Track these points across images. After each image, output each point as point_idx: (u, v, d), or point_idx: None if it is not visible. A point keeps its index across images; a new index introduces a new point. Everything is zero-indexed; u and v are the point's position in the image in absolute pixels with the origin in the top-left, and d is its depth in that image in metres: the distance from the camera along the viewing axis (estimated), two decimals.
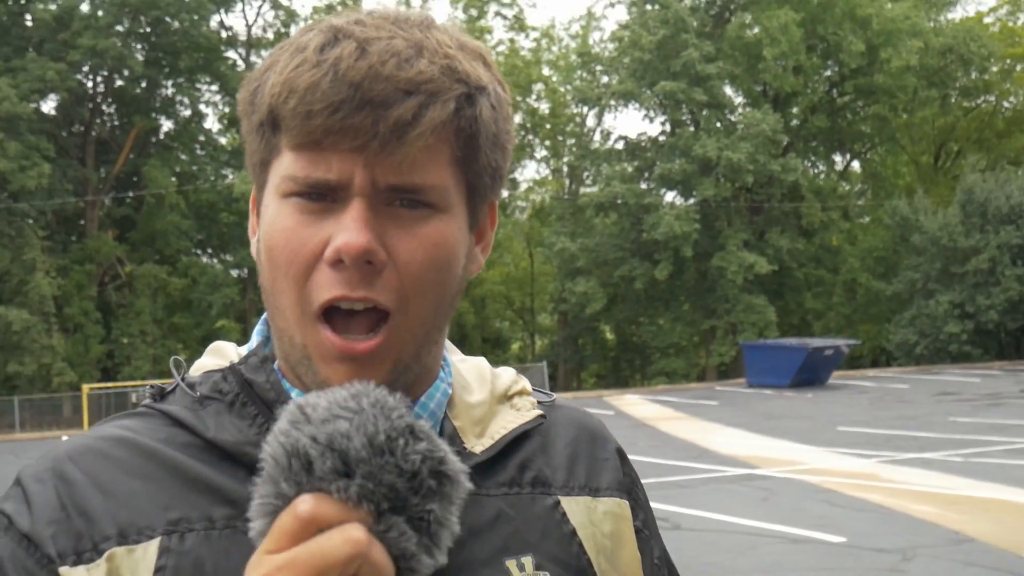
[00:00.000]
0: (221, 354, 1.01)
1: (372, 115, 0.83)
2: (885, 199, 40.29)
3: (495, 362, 1.13)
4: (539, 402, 1.09)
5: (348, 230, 0.84)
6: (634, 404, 26.07)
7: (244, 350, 1.00)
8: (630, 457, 1.15)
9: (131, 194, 37.30)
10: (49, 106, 36.46)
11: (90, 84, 37.37)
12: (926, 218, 35.19)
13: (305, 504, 0.69)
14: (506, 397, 1.06)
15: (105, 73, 36.73)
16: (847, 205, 41.90)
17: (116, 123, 39.49)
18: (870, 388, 26.78)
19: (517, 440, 1.02)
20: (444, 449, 0.74)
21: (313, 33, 0.88)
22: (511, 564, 0.94)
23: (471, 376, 1.06)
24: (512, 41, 45.48)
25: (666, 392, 30.13)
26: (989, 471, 12.33)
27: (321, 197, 0.87)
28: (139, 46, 37.37)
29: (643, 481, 1.16)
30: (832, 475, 12.73)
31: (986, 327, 33.79)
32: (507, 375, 1.10)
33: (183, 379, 0.97)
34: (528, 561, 0.96)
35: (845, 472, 12.97)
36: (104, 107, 38.69)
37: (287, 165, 0.88)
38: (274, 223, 0.89)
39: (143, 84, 38.27)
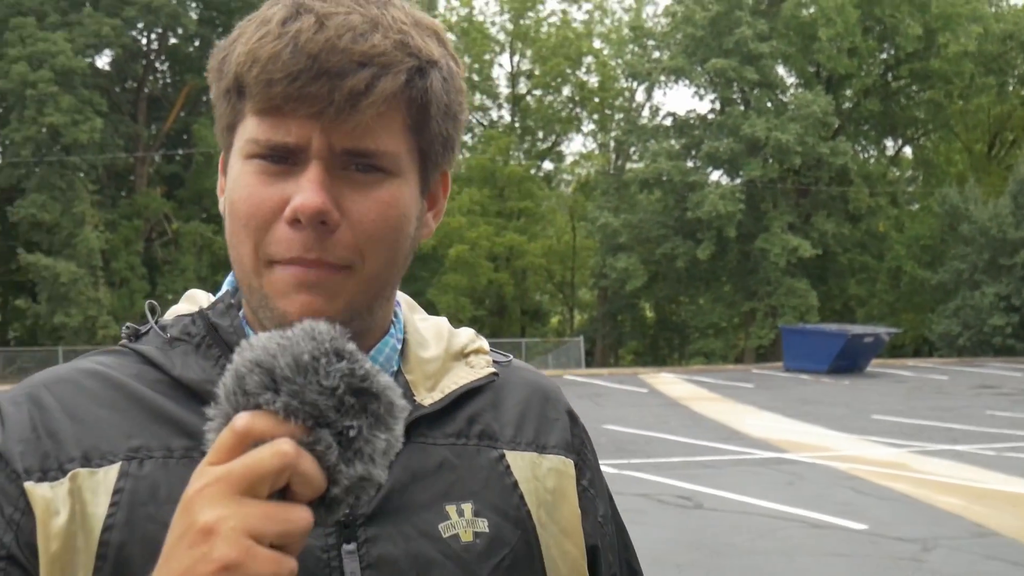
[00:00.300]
0: (194, 301, 1.10)
1: (328, 84, 0.90)
2: (935, 187, 39.67)
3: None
4: (495, 362, 1.15)
5: (305, 191, 0.92)
6: (669, 383, 26.05)
7: (213, 300, 1.08)
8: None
9: (180, 152, 37.72)
10: (103, 61, 36.91)
11: (144, 41, 37.76)
12: (976, 208, 34.64)
13: (240, 419, 0.74)
14: (462, 355, 1.13)
15: (159, 30, 37.06)
16: (896, 191, 41.30)
17: (168, 80, 39.88)
18: (909, 378, 26.52)
19: (468, 395, 1.09)
20: (368, 369, 0.78)
21: (278, 7, 0.94)
22: (451, 508, 1.01)
23: (429, 334, 1.13)
24: (564, 13, 45.29)
25: (702, 372, 30.06)
26: (1020, 466, 12.22)
27: (281, 160, 0.94)
28: (193, 4, 37.63)
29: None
30: (861, 463, 12.68)
31: None
32: (465, 334, 1.16)
33: (156, 322, 1.06)
34: (468, 507, 1.02)
35: (875, 460, 12.91)
36: (157, 64, 39.09)
37: (250, 129, 0.95)
38: (237, 181, 0.97)
39: (196, 43, 38.57)
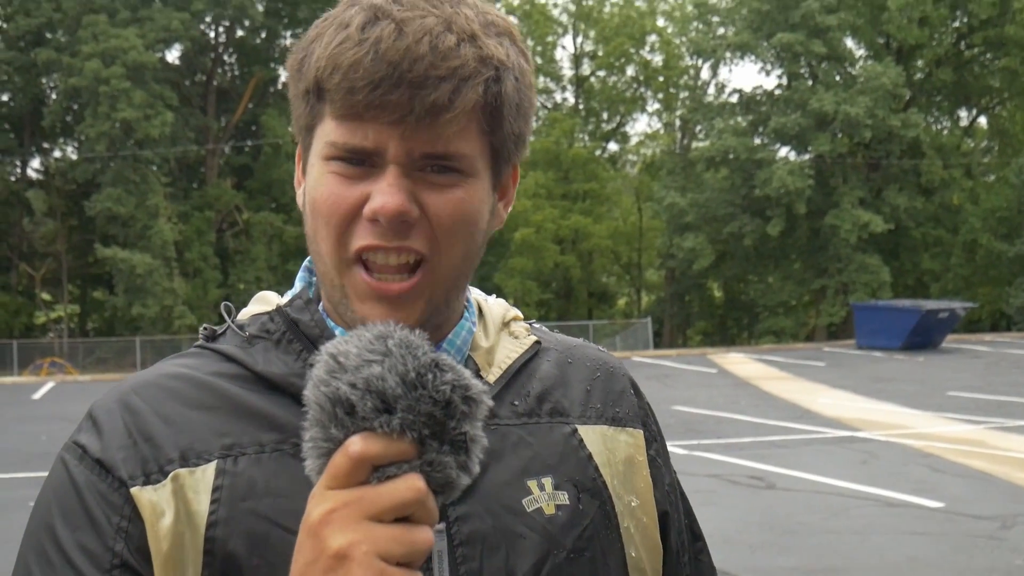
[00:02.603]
0: (266, 301, 1.13)
1: (408, 93, 0.93)
2: (1012, 157, 38.62)
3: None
4: (531, 326, 1.20)
5: (384, 194, 0.96)
6: (738, 363, 25.83)
7: (287, 298, 1.13)
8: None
9: (249, 143, 38.29)
10: (173, 55, 37.62)
11: (212, 34, 38.36)
12: None
13: (355, 445, 0.79)
14: (504, 324, 1.17)
15: (227, 23, 37.63)
16: (970, 163, 40.28)
17: (236, 73, 40.47)
18: (985, 353, 25.97)
19: (524, 364, 1.14)
20: (467, 376, 0.83)
21: (355, 10, 0.97)
22: (532, 484, 1.05)
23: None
24: None
25: (772, 352, 29.75)
26: None
27: (360, 162, 0.98)
28: None
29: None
30: (937, 440, 12.48)
31: None
32: (499, 304, 1.20)
33: (233, 322, 1.10)
34: (548, 482, 1.06)
35: (951, 438, 12.70)
36: (225, 57, 39.69)
37: (329, 131, 0.99)
38: (318, 181, 1.01)
39: (263, 35, 39.10)
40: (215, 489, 0.98)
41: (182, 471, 0.98)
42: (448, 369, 0.82)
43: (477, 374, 1.09)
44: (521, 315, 1.21)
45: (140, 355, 29.82)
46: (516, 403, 1.10)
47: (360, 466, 0.79)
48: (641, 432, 1.18)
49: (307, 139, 1.04)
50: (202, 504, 0.97)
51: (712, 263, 36.59)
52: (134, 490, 0.97)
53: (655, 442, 1.20)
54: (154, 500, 0.97)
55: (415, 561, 0.80)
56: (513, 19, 1.06)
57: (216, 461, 0.99)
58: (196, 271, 34.90)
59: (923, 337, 26.56)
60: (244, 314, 1.13)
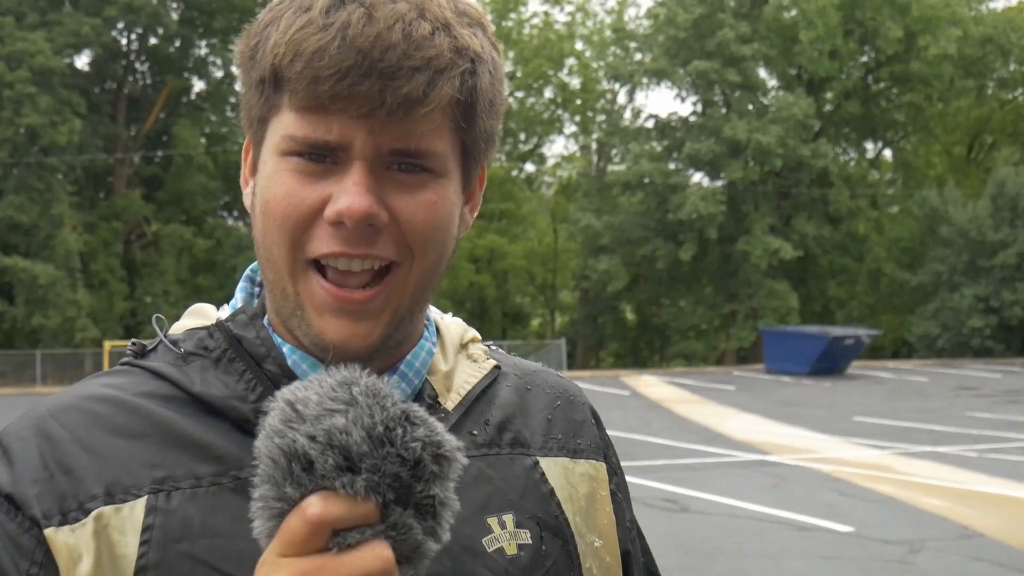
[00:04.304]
0: (203, 315, 1.01)
1: (379, 84, 0.84)
2: (915, 189, 39.88)
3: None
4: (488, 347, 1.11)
5: (350, 193, 0.85)
6: (651, 385, 26.06)
7: (225, 312, 1.01)
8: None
9: (160, 153, 37.48)
10: (83, 62, 36.66)
11: (124, 41, 37.48)
12: (955, 210, 34.86)
13: (314, 507, 0.70)
14: (462, 346, 1.07)
15: (140, 30, 36.84)
16: (876, 193, 41.51)
17: (148, 81, 39.61)
18: (889, 379, 26.64)
19: (484, 391, 1.04)
20: (440, 431, 0.74)
21: None
22: (492, 521, 0.96)
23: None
24: (547, 14, 45.25)
25: (684, 375, 30.10)
26: (1003, 467, 12.26)
27: (321, 158, 0.88)
28: (174, 4, 37.42)
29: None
30: (845, 465, 12.70)
31: (1010, 323, 33.52)
32: (456, 324, 1.10)
33: (165, 336, 0.98)
34: (509, 519, 0.97)
35: (858, 462, 12.94)
36: (137, 65, 38.82)
37: (287, 124, 0.88)
38: (272, 179, 0.90)
39: (177, 43, 38.35)
40: (145, 529, 0.86)
41: (106, 509, 0.86)
42: (420, 423, 0.73)
43: (435, 400, 1.00)
44: (479, 336, 1.12)
45: (40, 368, 28.84)
46: (475, 432, 1.00)
47: (319, 531, 0.70)
48: (603, 465, 1.10)
49: (259, 133, 0.92)
50: (130, 547, 0.85)
51: (625, 286, 36.94)
52: (48, 531, 0.85)
53: (616, 475, 1.13)
54: (71, 543, 0.84)
55: None
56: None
57: (147, 496, 0.87)
58: (101, 283, 33.95)
59: (830, 363, 27.16)
60: (177, 328, 1.00)
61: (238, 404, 0.91)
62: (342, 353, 0.88)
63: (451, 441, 0.75)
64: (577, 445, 1.08)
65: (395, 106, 0.84)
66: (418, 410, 0.74)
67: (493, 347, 1.13)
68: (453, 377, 1.03)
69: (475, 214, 1.03)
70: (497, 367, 1.08)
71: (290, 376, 0.92)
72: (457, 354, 1.06)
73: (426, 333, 1.02)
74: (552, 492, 1.03)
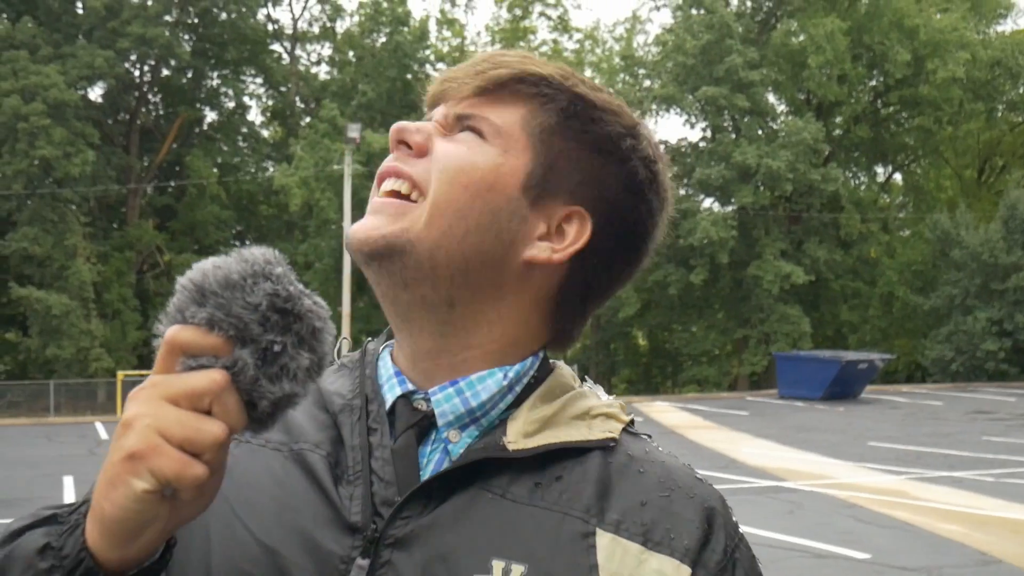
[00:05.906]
0: None
1: (472, 70, 1.02)
2: (926, 212, 39.84)
3: None
4: (628, 432, 1.02)
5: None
6: (663, 411, 25.98)
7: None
8: None
9: (173, 183, 37.71)
10: (96, 93, 36.96)
11: (137, 73, 37.80)
12: (967, 233, 34.77)
13: (169, 331, 0.79)
14: (586, 415, 1.00)
15: (152, 62, 37.15)
16: (887, 217, 41.46)
17: (161, 112, 39.93)
18: (903, 404, 26.50)
19: (570, 456, 0.96)
20: (292, 291, 0.81)
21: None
22: (497, 564, 0.89)
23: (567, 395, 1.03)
24: (555, 42, 45.48)
25: (696, 400, 29.99)
26: (1021, 493, 12.19)
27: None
28: (187, 36, 37.77)
29: None
30: (860, 490, 12.63)
31: None
32: (602, 399, 1.05)
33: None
34: (518, 569, 0.89)
35: (873, 488, 12.87)
36: (150, 96, 39.14)
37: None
38: None
39: (189, 74, 38.67)
40: None
41: None
42: (275, 281, 0.80)
43: (498, 437, 0.95)
44: (623, 418, 1.02)
45: (54, 399, 28.88)
46: (539, 483, 0.94)
47: (170, 352, 0.79)
48: (688, 570, 0.92)
49: None
50: None
51: (637, 311, 36.88)
52: None
53: None
54: None
55: (201, 452, 0.77)
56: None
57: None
58: (115, 313, 34.08)
59: (843, 387, 27.02)
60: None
61: (337, 399, 1.03)
62: (350, 245, 0.98)
63: (305, 302, 0.81)
64: (663, 538, 0.93)
65: (470, 77, 1.04)
66: (281, 272, 0.81)
67: (644, 436, 1.04)
68: (545, 428, 0.97)
69: (561, 256, 1.00)
70: (613, 439, 0.98)
71: (375, 385, 1.03)
72: (572, 418, 0.99)
73: (510, 370, 0.99)
74: (594, 568, 0.90)
